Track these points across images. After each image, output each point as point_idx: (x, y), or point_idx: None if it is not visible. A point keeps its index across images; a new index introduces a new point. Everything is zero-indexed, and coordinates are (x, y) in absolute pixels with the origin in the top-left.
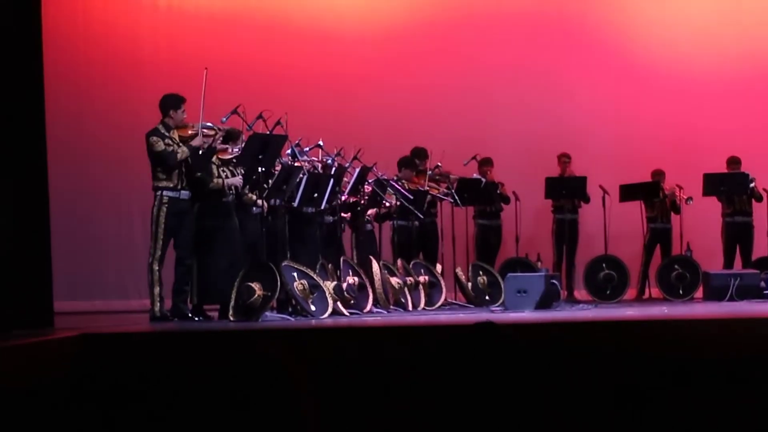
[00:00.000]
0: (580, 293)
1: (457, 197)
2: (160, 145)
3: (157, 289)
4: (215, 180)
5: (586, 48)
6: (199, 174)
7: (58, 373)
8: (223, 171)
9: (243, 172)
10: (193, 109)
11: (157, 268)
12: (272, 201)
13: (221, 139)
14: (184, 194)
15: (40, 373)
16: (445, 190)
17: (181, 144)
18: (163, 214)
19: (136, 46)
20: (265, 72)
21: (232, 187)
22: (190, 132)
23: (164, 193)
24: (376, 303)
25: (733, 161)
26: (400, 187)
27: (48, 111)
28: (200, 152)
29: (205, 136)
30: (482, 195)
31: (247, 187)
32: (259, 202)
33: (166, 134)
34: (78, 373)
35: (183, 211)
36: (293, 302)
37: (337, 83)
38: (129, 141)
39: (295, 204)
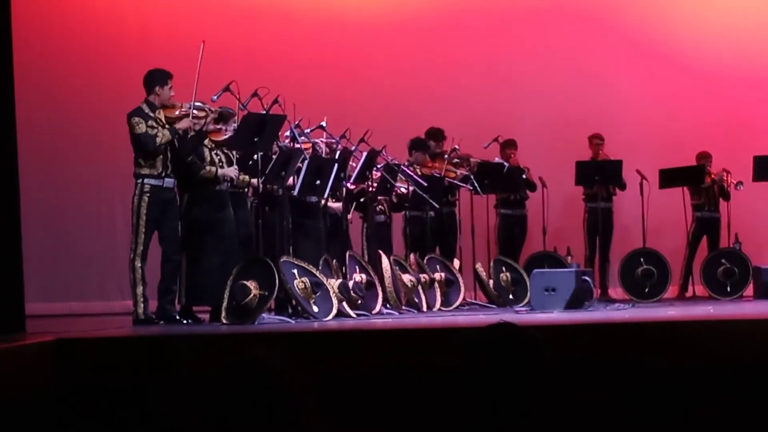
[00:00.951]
0: (616, 291)
1: (476, 184)
2: (141, 127)
3: (140, 289)
4: (207, 168)
5: (622, 25)
6: (188, 159)
7: (30, 383)
8: (217, 155)
9: (237, 155)
10: (182, 87)
11: (139, 265)
12: (269, 189)
13: (213, 121)
14: (168, 182)
15: (10, 383)
16: (464, 176)
17: (166, 125)
18: (145, 204)
19: (118, 23)
20: (262, 50)
21: (227, 178)
22: (177, 113)
23: (145, 181)
24: (386, 303)
25: None
26: (412, 173)
27: (18, 94)
28: (188, 136)
29: (195, 117)
30: (505, 181)
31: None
32: (254, 181)
33: (151, 114)
34: (53, 382)
35: (167, 201)
36: (293, 302)
37: (342, 59)
38: (110, 125)
39: (295, 192)
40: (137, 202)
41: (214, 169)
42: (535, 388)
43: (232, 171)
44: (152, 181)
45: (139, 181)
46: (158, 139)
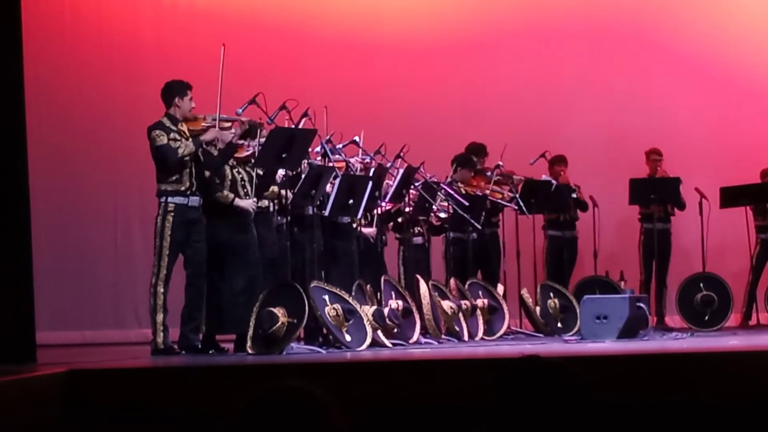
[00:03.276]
0: (673, 319)
1: (522, 203)
2: (163, 139)
3: (160, 317)
4: (225, 193)
5: (680, 42)
6: (208, 176)
7: (41, 417)
8: (239, 173)
9: (260, 173)
10: (203, 100)
11: (162, 290)
12: (298, 209)
13: (242, 134)
14: (194, 200)
15: (19, 417)
16: (509, 195)
17: (190, 138)
18: (169, 224)
19: (134, 35)
20: (292, 68)
21: (241, 211)
22: (203, 125)
23: (170, 199)
24: (424, 332)
25: None
26: (453, 192)
27: (29, 108)
28: (217, 149)
29: (222, 129)
30: (553, 200)
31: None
32: (283, 192)
33: (173, 128)
34: (65, 416)
35: (193, 222)
36: (324, 331)
37: (376, 73)
38: (126, 141)
39: (326, 213)
40: (161, 223)
41: (231, 196)
42: (566, 422)
43: (249, 205)
44: (177, 200)
45: (163, 199)
46: (180, 151)
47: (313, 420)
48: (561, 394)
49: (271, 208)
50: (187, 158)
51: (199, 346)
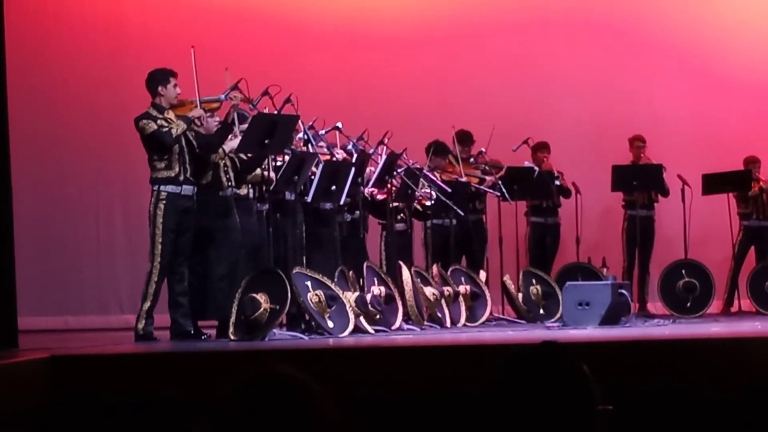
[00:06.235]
0: (655, 306)
1: (504, 190)
2: (152, 126)
3: (147, 304)
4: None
5: (664, 28)
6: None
7: (23, 404)
8: (222, 159)
9: (244, 158)
10: (190, 86)
11: (156, 279)
12: (281, 195)
13: (235, 113)
14: (187, 189)
15: (1, 403)
16: (491, 181)
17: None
18: (161, 212)
19: (118, 25)
20: (275, 59)
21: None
22: (191, 108)
23: (161, 188)
24: (406, 318)
25: None
26: (435, 178)
27: (11, 97)
28: (215, 130)
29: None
30: (536, 187)
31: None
32: (267, 174)
33: (159, 116)
34: (48, 402)
35: (185, 210)
36: (307, 317)
37: (359, 60)
38: (108, 129)
39: (309, 199)
40: (153, 210)
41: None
42: (576, 412)
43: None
44: (170, 188)
45: (155, 187)
46: (174, 131)
47: (303, 406)
48: (573, 382)
49: (251, 195)
50: (180, 136)
51: (192, 332)
